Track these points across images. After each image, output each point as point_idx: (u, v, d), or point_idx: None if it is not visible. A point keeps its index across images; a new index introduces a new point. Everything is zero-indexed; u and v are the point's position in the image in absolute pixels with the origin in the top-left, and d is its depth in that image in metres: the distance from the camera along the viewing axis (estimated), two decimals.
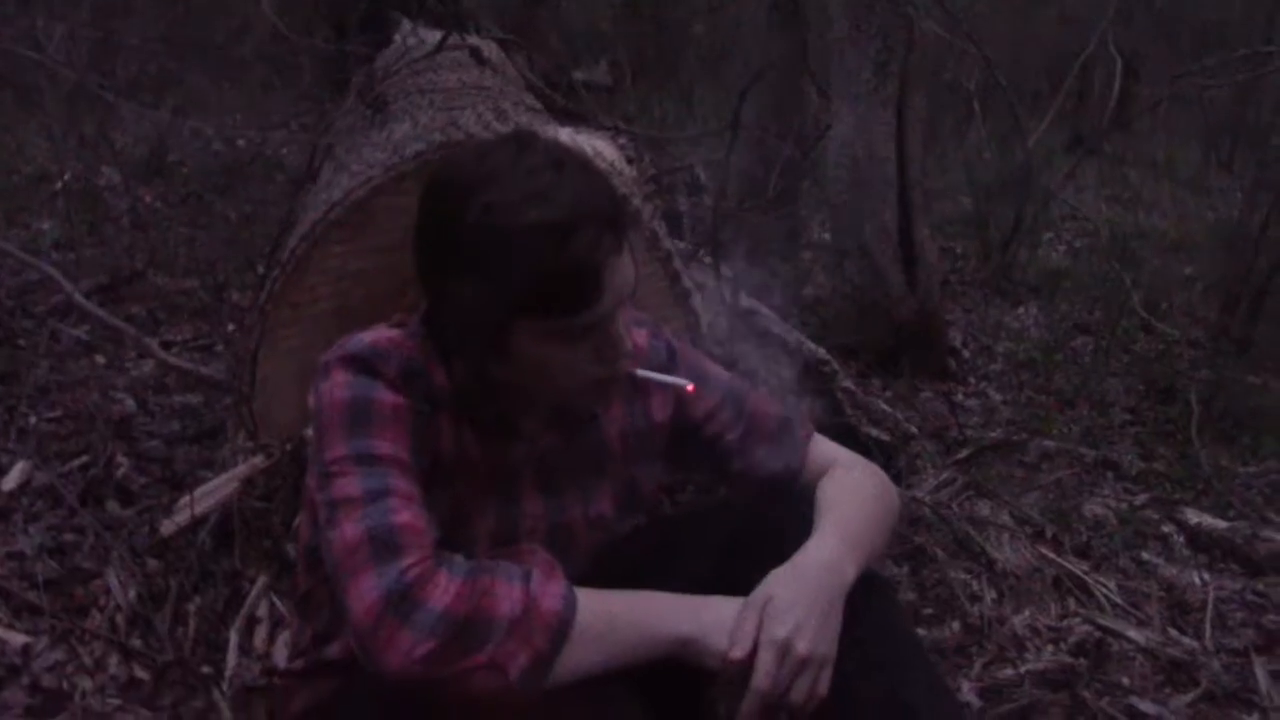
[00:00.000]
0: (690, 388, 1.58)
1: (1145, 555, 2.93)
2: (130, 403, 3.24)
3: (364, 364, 1.39)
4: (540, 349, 1.37)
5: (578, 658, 1.31)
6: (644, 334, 1.62)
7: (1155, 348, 5.03)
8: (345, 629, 1.34)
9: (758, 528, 1.54)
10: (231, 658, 2.14)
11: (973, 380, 4.26)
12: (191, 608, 2.24)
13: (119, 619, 2.20)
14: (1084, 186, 8.35)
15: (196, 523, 2.28)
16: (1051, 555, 2.74)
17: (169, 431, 3.08)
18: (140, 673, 2.12)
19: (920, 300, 4.00)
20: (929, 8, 3.90)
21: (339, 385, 1.39)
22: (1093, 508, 3.16)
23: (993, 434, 3.71)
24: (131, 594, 2.23)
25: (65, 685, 2.07)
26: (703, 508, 1.83)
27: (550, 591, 1.31)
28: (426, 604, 1.25)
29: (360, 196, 2.27)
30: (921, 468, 3.10)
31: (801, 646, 1.33)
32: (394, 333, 1.46)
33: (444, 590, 1.26)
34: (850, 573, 1.43)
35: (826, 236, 4.87)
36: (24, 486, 2.64)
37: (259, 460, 2.30)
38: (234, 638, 2.17)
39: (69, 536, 2.44)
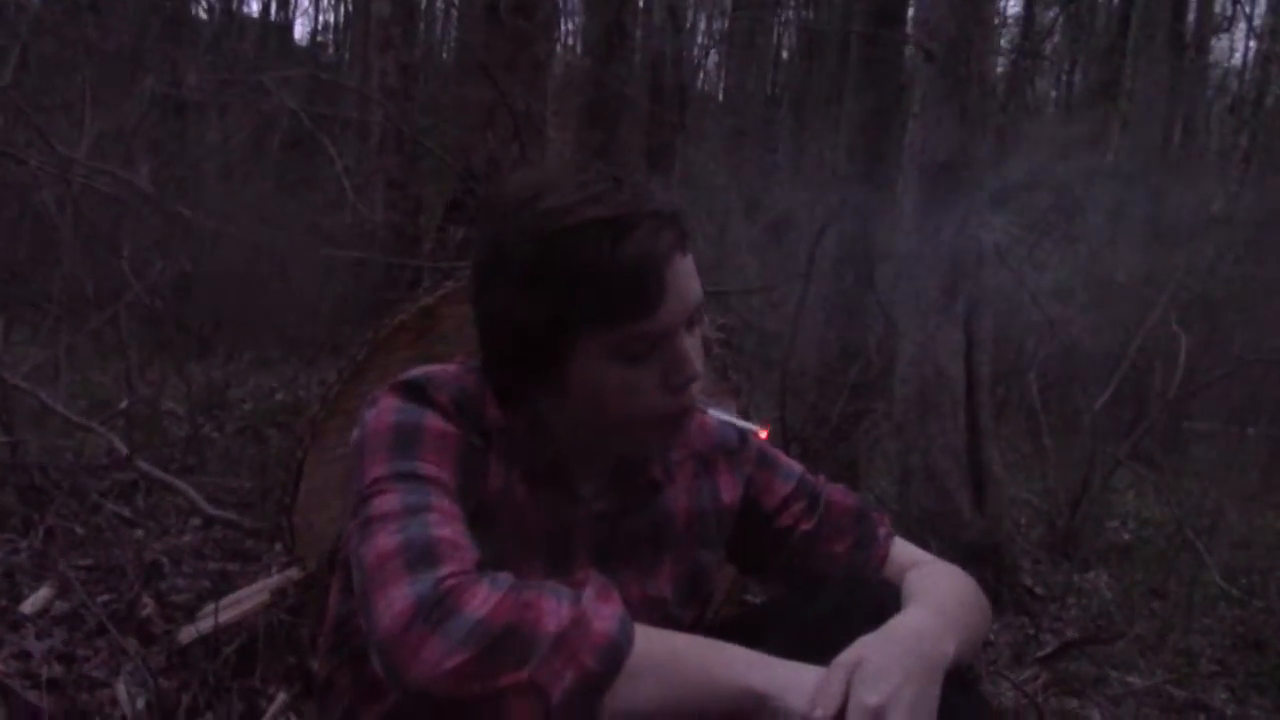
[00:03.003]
0: (763, 433, 1.46)
1: None
2: (165, 560, 3.11)
3: (416, 391, 1.29)
4: (599, 371, 1.25)
5: (631, 692, 1.11)
6: (711, 416, 1.52)
7: (1235, 614, 4.74)
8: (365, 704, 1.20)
9: (843, 612, 1.35)
10: None
11: (1047, 620, 4.01)
12: None
13: None
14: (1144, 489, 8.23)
15: (218, 633, 2.11)
16: None
17: (200, 588, 2.93)
18: None
19: (989, 522, 3.82)
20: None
21: (386, 411, 1.28)
22: None
23: (1075, 664, 3.44)
24: (140, 704, 2.05)
25: None
26: (779, 601, 1.63)
27: (604, 613, 1.13)
28: (462, 612, 1.08)
29: (428, 303, 2.23)
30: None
31: (896, 718, 1.13)
32: (453, 366, 1.38)
33: (483, 600, 1.09)
34: (950, 647, 1.25)
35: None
36: (43, 613, 2.49)
37: (293, 572, 2.16)
38: None
39: (82, 651, 2.27)
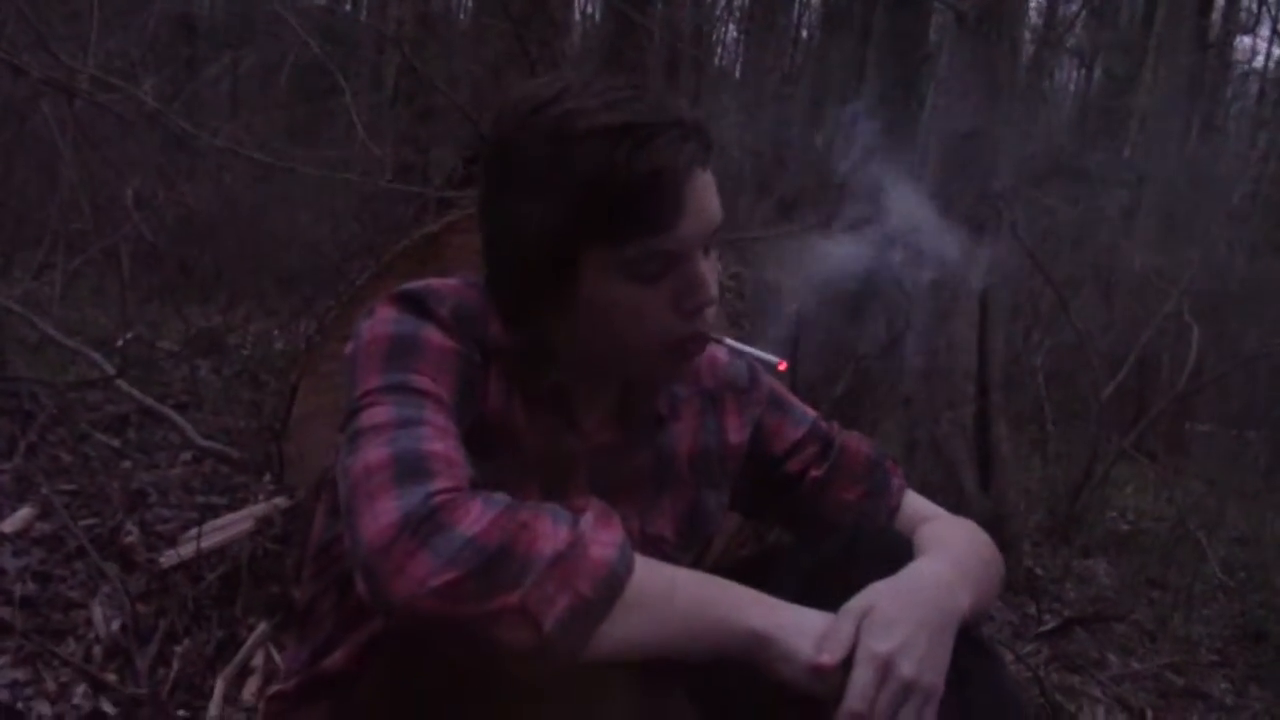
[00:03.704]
0: (782, 364, 1.37)
1: None
2: (152, 491, 3.04)
3: (416, 302, 1.22)
4: (610, 290, 1.17)
5: (628, 625, 1.05)
6: (723, 351, 1.44)
7: (1236, 606, 4.68)
8: (343, 637, 1.17)
9: (853, 559, 1.27)
10: (214, 708, 1.86)
11: (1046, 601, 3.94)
12: (179, 649, 1.97)
13: (96, 650, 1.95)
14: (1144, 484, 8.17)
15: (200, 559, 2.04)
16: None
17: (186, 519, 2.86)
18: (107, 707, 1.85)
19: (994, 500, 3.75)
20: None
21: (383, 321, 1.20)
22: None
23: (1075, 645, 3.37)
24: (114, 626, 1.98)
25: (20, 706, 1.80)
26: (784, 545, 1.55)
27: (604, 539, 1.06)
28: (453, 528, 1.00)
29: (433, 230, 2.15)
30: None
31: (907, 669, 1.06)
32: (455, 280, 1.29)
33: (476, 518, 1.01)
34: (965, 601, 1.18)
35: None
36: (23, 533, 2.42)
37: (280, 501, 2.08)
38: (220, 685, 1.90)
39: (59, 572, 2.20)
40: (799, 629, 1.09)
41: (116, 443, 3.52)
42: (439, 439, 1.10)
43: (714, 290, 1.22)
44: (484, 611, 0.98)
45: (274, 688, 1.41)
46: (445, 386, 1.17)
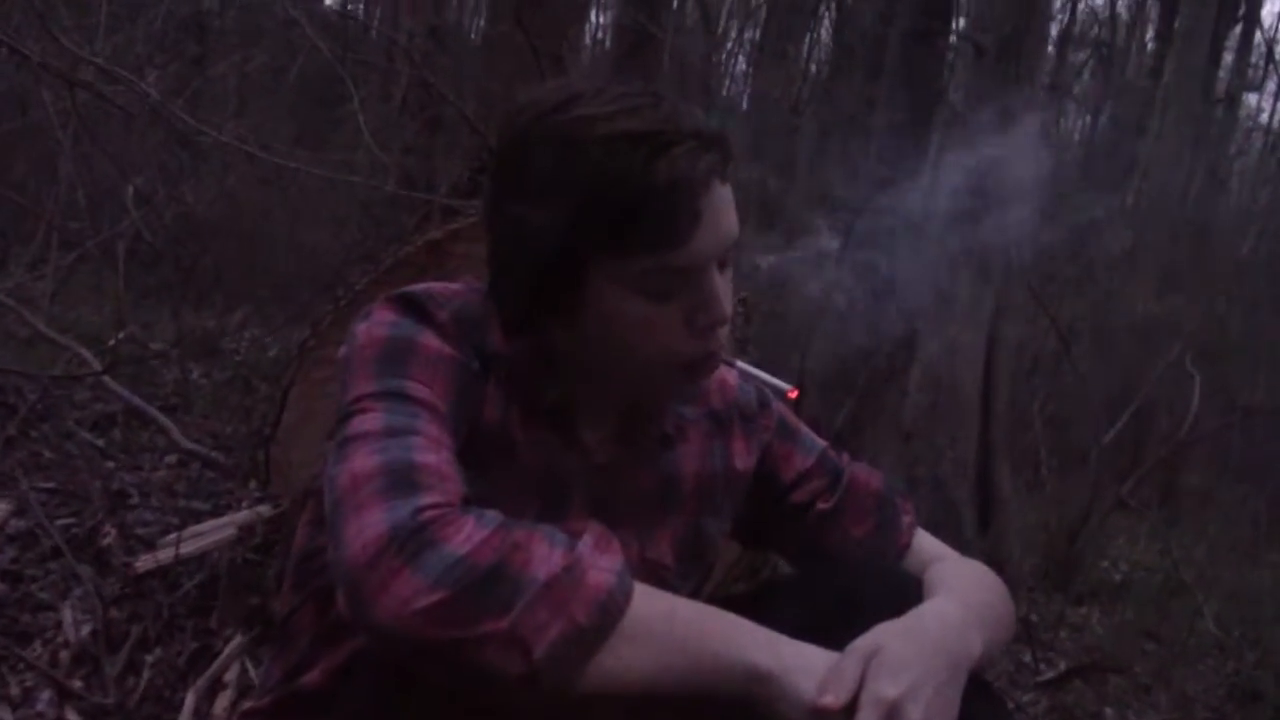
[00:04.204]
0: (792, 391, 1.31)
1: None
2: (134, 493, 2.96)
3: (414, 305, 1.16)
4: (618, 303, 1.11)
5: (623, 656, 0.98)
6: (733, 374, 1.38)
7: (1231, 664, 4.61)
8: (323, 652, 1.10)
9: (859, 597, 1.20)
10: None
11: (1040, 650, 3.86)
12: (150, 658, 1.89)
13: (63, 655, 1.87)
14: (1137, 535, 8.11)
15: (179, 565, 1.96)
16: None
17: (167, 523, 2.78)
18: (71, 716, 1.76)
19: (992, 542, 3.68)
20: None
21: (379, 324, 1.14)
22: None
23: (1069, 695, 3.30)
24: (85, 631, 1.90)
25: None
26: (787, 579, 1.48)
27: (602, 564, 1.00)
28: (442, 546, 0.94)
29: (436, 237, 2.09)
30: None
31: (915, 715, 1.00)
32: (457, 284, 1.23)
33: (467, 536, 0.95)
34: (976, 646, 1.12)
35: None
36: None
37: (264, 509, 2.01)
38: (191, 699, 1.82)
39: (32, 572, 2.12)
40: (802, 667, 1.02)
41: (101, 442, 3.45)
42: (432, 450, 1.04)
43: (728, 309, 1.16)
44: (471, 636, 0.92)
45: (247, 704, 1.34)
46: (441, 395, 1.11)
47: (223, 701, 1.83)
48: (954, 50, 4.42)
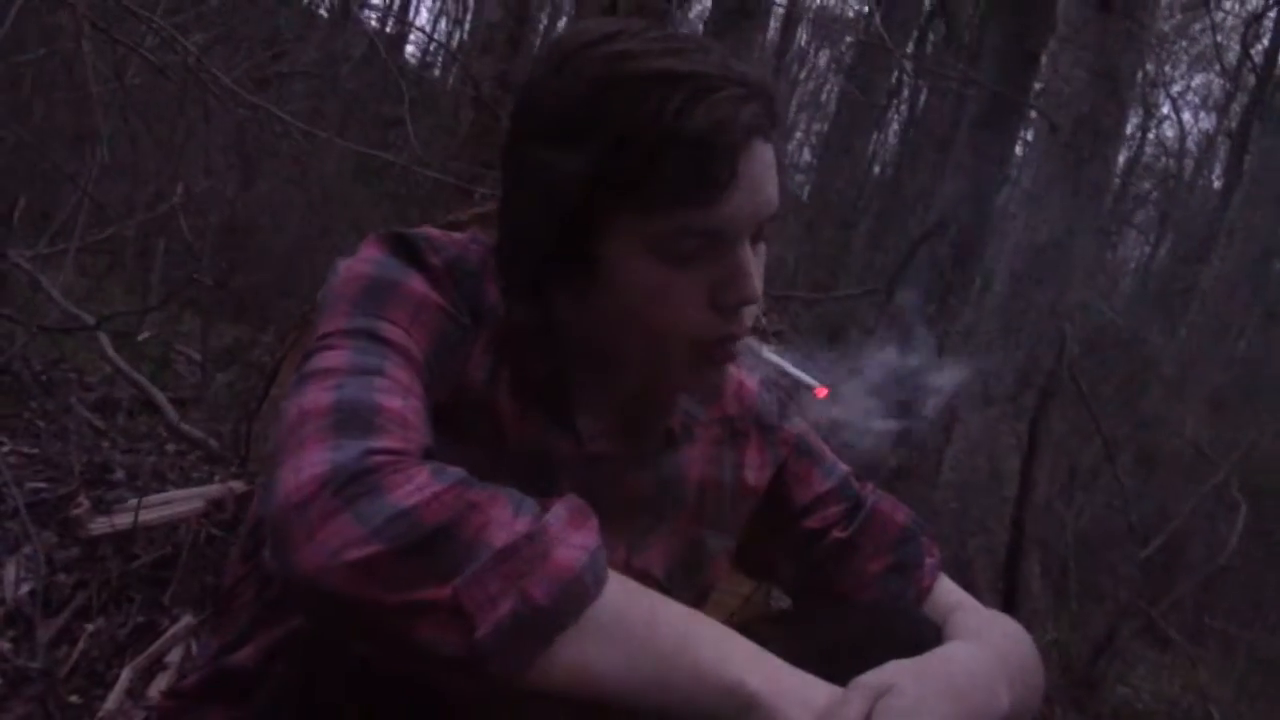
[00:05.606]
0: (821, 390, 1.15)
1: None
2: (122, 474, 2.83)
3: (405, 245, 1.03)
4: (636, 267, 0.98)
5: (586, 651, 0.83)
6: (754, 381, 1.23)
7: None
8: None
9: (871, 638, 1.04)
10: (113, 699, 1.62)
11: None
12: (90, 628, 1.73)
13: None
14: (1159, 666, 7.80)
15: (136, 534, 1.81)
16: None
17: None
18: None
19: None
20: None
21: (364, 261, 1.01)
22: None
23: None
24: (23, 590, 1.74)
25: None
26: (793, 612, 1.31)
27: (573, 540, 0.85)
28: (386, 494, 0.79)
29: (460, 219, 1.96)
30: None
31: None
32: (461, 235, 1.09)
33: (417, 488, 0.80)
34: (1004, 702, 0.95)
35: None
36: None
37: (237, 485, 1.85)
38: (126, 676, 1.66)
39: None
40: (799, 698, 0.86)
41: (102, 424, 3.34)
42: (398, 395, 0.90)
43: (758, 287, 1.01)
44: (405, 601, 0.77)
45: (174, 684, 1.18)
46: (420, 343, 0.97)
47: (160, 683, 1.67)
48: (1026, 128, 4.30)
